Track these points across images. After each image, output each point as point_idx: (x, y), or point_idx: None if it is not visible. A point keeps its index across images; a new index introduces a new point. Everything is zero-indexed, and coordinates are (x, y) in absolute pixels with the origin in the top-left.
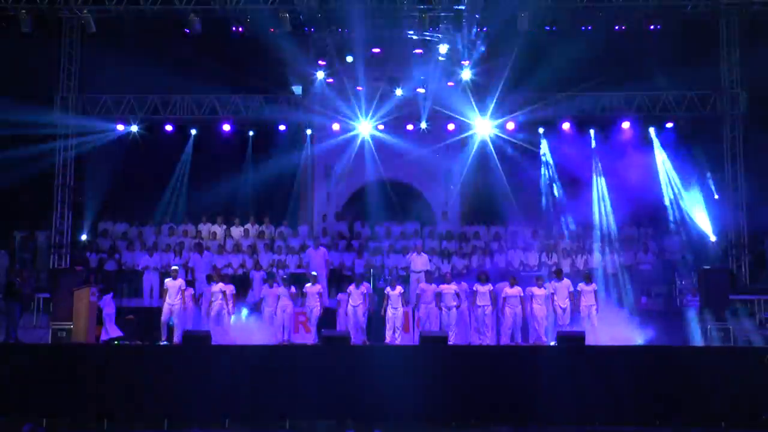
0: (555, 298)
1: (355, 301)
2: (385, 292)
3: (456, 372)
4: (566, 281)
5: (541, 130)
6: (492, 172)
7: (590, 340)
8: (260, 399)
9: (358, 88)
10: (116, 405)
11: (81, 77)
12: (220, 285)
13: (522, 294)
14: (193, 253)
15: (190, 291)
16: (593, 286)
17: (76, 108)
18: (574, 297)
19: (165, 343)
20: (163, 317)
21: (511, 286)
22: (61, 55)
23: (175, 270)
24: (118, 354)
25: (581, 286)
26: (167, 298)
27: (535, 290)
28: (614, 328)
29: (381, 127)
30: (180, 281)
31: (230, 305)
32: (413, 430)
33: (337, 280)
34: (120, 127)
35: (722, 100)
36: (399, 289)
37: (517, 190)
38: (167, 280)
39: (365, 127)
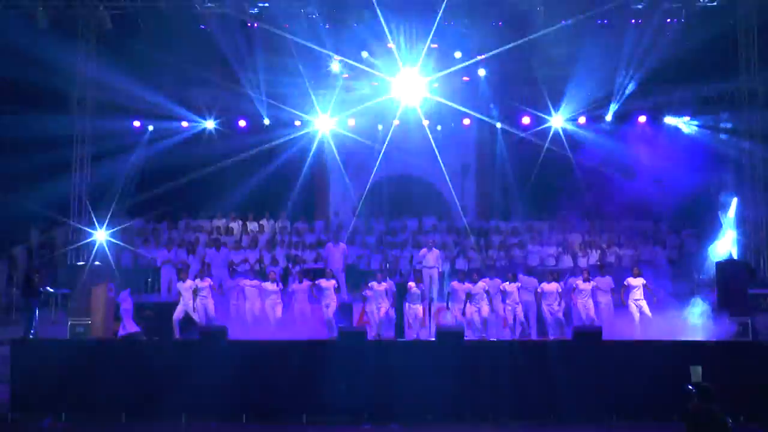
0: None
1: (377, 300)
2: (408, 287)
3: (473, 367)
4: (608, 278)
5: (558, 121)
6: (508, 168)
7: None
8: (277, 394)
9: (373, 83)
10: (134, 400)
11: (97, 74)
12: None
13: (560, 290)
14: (209, 249)
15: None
16: (641, 280)
17: (92, 104)
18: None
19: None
20: (177, 315)
21: (549, 282)
22: (77, 52)
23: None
24: (136, 349)
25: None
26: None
27: (580, 283)
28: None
29: (397, 122)
30: (189, 282)
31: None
32: (430, 425)
33: (353, 276)
34: (136, 124)
35: (740, 93)
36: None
37: (533, 185)
38: (179, 283)
39: (382, 123)
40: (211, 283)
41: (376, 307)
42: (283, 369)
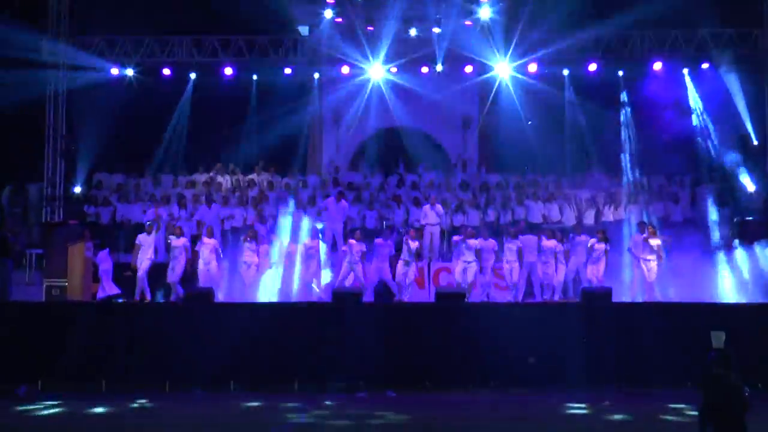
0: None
1: (353, 256)
2: (404, 242)
3: (474, 331)
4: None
5: (566, 72)
6: (513, 118)
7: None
8: (266, 360)
9: (368, 28)
10: (115, 366)
11: (72, 17)
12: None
13: (558, 248)
14: (201, 205)
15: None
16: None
17: (67, 51)
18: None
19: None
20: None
21: (548, 238)
22: None
23: (150, 225)
24: (116, 312)
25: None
26: (140, 253)
27: (594, 243)
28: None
29: (394, 70)
30: (152, 236)
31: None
32: (428, 392)
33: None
34: (114, 71)
35: (764, 37)
36: (417, 242)
37: (539, 137)
38: (141, 236)
39: (377, 71)
40: (186, 242)
41: (353, 265)
42: (273, 333)
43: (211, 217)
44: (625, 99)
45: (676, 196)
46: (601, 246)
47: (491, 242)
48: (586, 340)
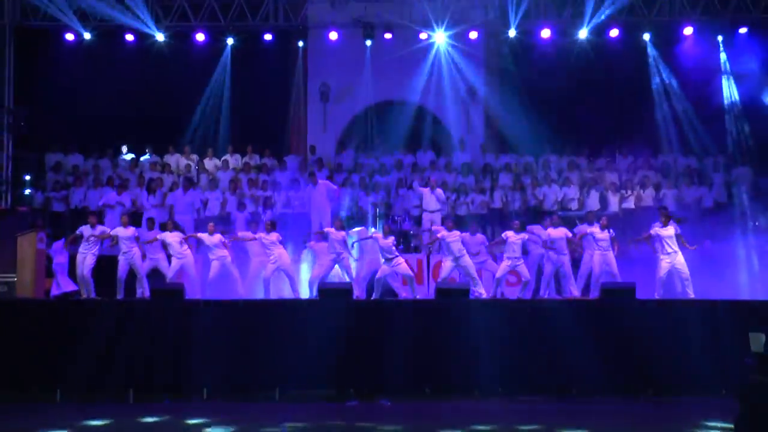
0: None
1: (336, 247)
2: (374, 238)
3: (479, 332)
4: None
5: (584, 33)
6: (522, 90)
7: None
8: (244, 364)
9: None
10: (71, 372)
11: None
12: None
13: (569, 236)
14: (176, 190)
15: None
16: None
17: (13, 12)
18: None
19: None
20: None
21: (555, 227)
22: None
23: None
24: (72, 312)
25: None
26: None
27: (597, 232)
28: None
29: (388, 36)
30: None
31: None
32: (427, 401)
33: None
34: (69, 36)
35: None
36: (391, 239)
37: (550, 113)
38: (84, 227)
39: (369, 38)
40: (135, 232)
41: (339, 257)
42: (252, 334)
43: (184, 204)
44: (654, 69)
45: (710, 179)
46: (605, 234)
47: (479, 237)
48: (606, 342)
